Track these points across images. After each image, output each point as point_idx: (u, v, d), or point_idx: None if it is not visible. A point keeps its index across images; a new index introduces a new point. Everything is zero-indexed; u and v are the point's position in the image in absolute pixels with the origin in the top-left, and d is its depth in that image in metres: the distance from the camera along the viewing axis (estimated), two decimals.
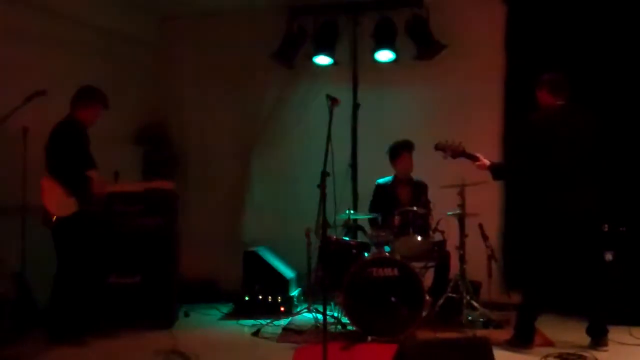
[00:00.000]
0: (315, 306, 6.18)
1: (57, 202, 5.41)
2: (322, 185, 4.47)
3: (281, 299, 6.71)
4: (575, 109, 5.23)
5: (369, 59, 7.49)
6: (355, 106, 7.45)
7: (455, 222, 6.02)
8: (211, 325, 6.40)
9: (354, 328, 5.54)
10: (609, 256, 6.15)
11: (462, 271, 5.94)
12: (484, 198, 6.38)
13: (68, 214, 5.42)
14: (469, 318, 5.80)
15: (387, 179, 6.69)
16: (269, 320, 6.18)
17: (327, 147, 4.59)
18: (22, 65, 6.01)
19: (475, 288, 6.29)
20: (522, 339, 5.17)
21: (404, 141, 6.52)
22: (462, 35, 7.28)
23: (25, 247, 5.78)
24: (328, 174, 4.50)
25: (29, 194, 5.78)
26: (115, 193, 6.06)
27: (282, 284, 6.79)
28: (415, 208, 5.96)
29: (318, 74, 7.67)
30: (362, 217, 6.63)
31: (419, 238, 5.86)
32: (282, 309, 6.66)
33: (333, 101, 4.84)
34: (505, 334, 5.35)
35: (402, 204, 6.26)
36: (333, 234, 6.20)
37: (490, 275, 6.09)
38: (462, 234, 5.99)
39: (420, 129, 6.86)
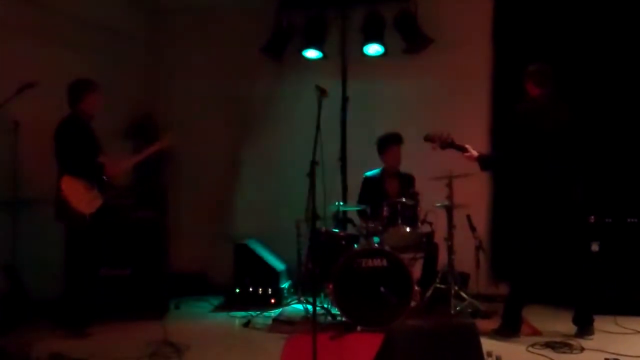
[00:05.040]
0: (306, 297, 6.23)
1: (85, 200, 5.41)
2: (311, 175, 4.50)
3: (272, 290, 6.72)
4: (559, 101, 5.30)
5: (358, 52, 7.51)
6: (345, 99, 7.47)
7: (443, 214, 6.06)
8: (202, 316, 6.42)
9: (344, 318, 5.58)
10: (595, 247, 6.22)
11: (451, 262, 6.00)
12: (472, 189, 6.44)
13: (96, 208, 5.47)
14: (457, 308, 5.86)
15: (375, 171, 6.70)
16: (259, 312, 6.22)
17: (316, 136, 4.63)
18: (13, 59, 5.98)
19: (463, 279, 6.37)
20: (510, 328, 5.23)
21: (393, 134, 6.54)
22: (450, 29, 7.32)
23: (17, 240, 5.79)
24: (317, 164, 4.53)
25: (20, 188, 5.82)
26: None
27: (273, 276, 6.80)
28: (403, 199, 6.00)
29: (307, 67, 7.66)
30: (351, 208, 6.64)
31: (408, 229, 5.91)
32: (272, 300, 6.68)
33: (322, 92, 4.87)
34: (492, 324, 5.40)
35: (390, 196, 6.28)
36: (323, 226, 6.23)
37: (478, 266, 6.20)
38: (450, 225, 6.04)
39: (409, 122, 6.87)
